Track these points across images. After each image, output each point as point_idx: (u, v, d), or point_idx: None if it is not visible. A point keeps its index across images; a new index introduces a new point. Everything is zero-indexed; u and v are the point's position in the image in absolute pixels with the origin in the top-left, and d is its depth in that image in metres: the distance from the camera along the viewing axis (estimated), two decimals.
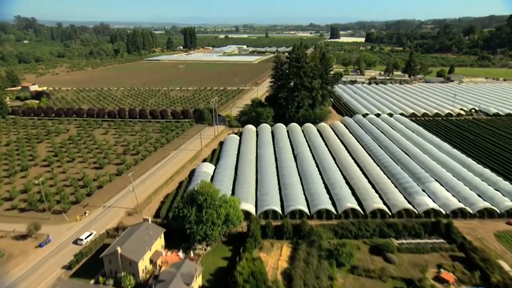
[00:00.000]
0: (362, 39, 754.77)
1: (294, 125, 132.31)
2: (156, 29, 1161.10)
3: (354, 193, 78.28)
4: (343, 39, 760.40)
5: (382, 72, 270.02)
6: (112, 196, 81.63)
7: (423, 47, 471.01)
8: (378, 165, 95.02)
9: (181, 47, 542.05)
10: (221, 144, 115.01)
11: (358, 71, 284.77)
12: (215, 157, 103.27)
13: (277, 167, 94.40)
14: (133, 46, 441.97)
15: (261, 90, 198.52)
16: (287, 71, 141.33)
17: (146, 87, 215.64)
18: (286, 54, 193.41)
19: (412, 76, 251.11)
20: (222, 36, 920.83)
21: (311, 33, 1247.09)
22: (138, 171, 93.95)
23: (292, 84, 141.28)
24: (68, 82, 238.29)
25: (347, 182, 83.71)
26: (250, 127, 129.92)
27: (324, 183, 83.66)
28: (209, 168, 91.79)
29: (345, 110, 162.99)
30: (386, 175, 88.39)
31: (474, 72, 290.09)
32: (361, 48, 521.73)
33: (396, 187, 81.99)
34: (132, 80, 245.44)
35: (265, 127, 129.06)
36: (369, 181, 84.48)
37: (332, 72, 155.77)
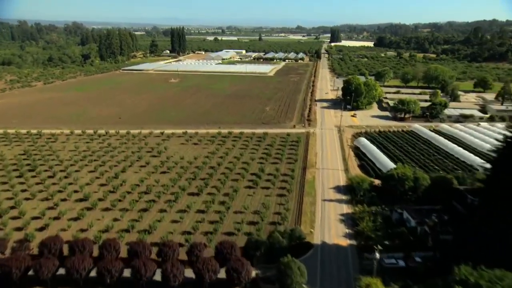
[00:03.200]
0: (369, 43, 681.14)
1: None
2: (135, 29, 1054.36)
3: None
4: (347, 43, 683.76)
5: (484, 98, 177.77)
6: None
7: (457, 53, 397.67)
8: None
9: (168, 52, 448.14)
10: None
11: (449, 96, 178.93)
12: None
13: None
14: (108, 51, 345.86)
15: (329, 135, 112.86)
16: None
17: (120, 127, 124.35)
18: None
19: None
20: (210, 38, 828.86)
21: (304, 36, 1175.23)
22: None
23: None
24: None
25: None
26: None
27: None
28: None
29: None
30: None
31: None
32: (384, 54, 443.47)
33: None
34: (100, 108, 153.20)
35: None
36: None
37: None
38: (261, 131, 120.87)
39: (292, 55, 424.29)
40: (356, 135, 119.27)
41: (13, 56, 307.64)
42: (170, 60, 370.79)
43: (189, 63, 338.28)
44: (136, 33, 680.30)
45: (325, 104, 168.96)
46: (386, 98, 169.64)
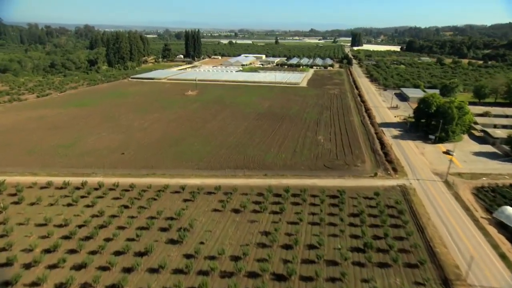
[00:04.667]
0: (394, 47, 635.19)
1: None
2: (147, 32, 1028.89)
3: None
4: (370, 47, 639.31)
5: None
6: None
7: (508, 59, 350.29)
8: None
9: (181, 56, 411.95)
10: None
11: None
12: None
13: None
14: (116, 56, 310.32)
15: (436, 194, 71.34)
16: None
17: (121, 172, 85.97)
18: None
19: None
20: (224, 41, 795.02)
21: (319, 39, 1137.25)
22: None
23: None
24: None
25: None
26: None
27: None
28: None
29: None
30: None
31: None
32: (418, 59, 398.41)
33: None
34: (98, 136, 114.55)
35: None
36: None
37: None
38: (330, 184, 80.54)
39: (318, 61, 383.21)
40: (478, 192, 77.86)
41: (11, 62, 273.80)
42: (185, 66, 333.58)
43: (207, 70, 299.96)
44: (148, 36, 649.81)
45: (394, 131, 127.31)
46: (476, 123, 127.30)
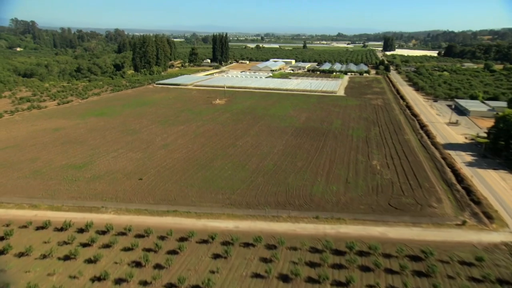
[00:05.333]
0: (431, 52, 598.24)
1: None
2: (175, 36, 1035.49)
3: None
4: (405, 52, 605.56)
5: None
6: None
7: None
8: None
9: (208, 61, 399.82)
10: None
11: None
12: None
13: None
14: (142, 60, 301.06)
15: None
16: None
17: (137, 206, 69.52)
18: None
19: None
20: (250, 45, 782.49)
21: (348, 44, 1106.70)
22: None
23: None
24: None
25: None
26: None
27: None
28: None
29: None
30: None
31: None
32: (460, 65, 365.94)
33: None
34: (115, 153, 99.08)
35: None
36: None
37: None
38: (406, 235, 60.40)
39: (352, 66, 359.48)
40: None
41: (37, 67, 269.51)
42: (212, 71, 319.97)
43: (235, 76, 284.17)
44: (175, 39, 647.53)
45: (465, 156, 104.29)
46: None
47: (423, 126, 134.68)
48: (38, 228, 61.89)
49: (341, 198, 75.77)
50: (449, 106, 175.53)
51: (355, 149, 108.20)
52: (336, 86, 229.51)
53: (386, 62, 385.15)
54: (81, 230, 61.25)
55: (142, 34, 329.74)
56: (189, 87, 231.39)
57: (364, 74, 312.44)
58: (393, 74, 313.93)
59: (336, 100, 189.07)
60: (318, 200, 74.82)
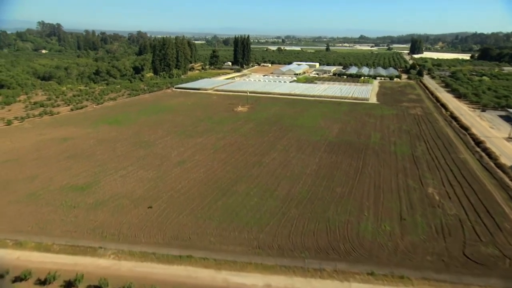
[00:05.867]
0: (463, 55, 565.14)
1: None
2: (196, 39, 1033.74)
3: None
4: (434, 55, 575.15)
5: None
6: None
7: None
8: None
9: (229, 63, 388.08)
10: None
11: None
12: None
13: None
14: (162, 63, 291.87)
15: None
16: None
17: (144, 248, 55.02)
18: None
19: None
20: (271, 48, 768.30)
21: (372, 46, 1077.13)
22: None
23: None
24: None
25: None
26: None
27: None
28: None
29: None
30: None
31: None
32: (499, 70, 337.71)
33: None
34: (123, 171, 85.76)
35: None
36: None
37: None
38: None
39: (381, 70, 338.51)
40: None
41: (56, 69, 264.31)
42: (233, 75, 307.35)
43: (258, 80, 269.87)
44: (196, 42, 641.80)
45: None
46: None
47: (478, 142, 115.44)
48: (15, 280, 48.77)
49: (399, 243, 59.30)
50: (501, 116, 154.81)
51: (403, 171, 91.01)
52: (367, 92, 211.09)
53: (417, 66, 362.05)
54: (68, 286, 47.67)
55: (163, 36, 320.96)
56: (209, 91, 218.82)
57: (395, 79, 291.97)
58: (426, 79, 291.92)
59: (370, 109, 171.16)
60: (369, 245, 58.69)
